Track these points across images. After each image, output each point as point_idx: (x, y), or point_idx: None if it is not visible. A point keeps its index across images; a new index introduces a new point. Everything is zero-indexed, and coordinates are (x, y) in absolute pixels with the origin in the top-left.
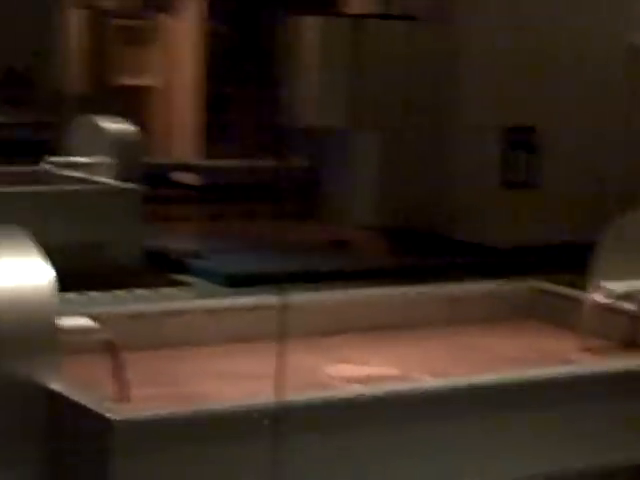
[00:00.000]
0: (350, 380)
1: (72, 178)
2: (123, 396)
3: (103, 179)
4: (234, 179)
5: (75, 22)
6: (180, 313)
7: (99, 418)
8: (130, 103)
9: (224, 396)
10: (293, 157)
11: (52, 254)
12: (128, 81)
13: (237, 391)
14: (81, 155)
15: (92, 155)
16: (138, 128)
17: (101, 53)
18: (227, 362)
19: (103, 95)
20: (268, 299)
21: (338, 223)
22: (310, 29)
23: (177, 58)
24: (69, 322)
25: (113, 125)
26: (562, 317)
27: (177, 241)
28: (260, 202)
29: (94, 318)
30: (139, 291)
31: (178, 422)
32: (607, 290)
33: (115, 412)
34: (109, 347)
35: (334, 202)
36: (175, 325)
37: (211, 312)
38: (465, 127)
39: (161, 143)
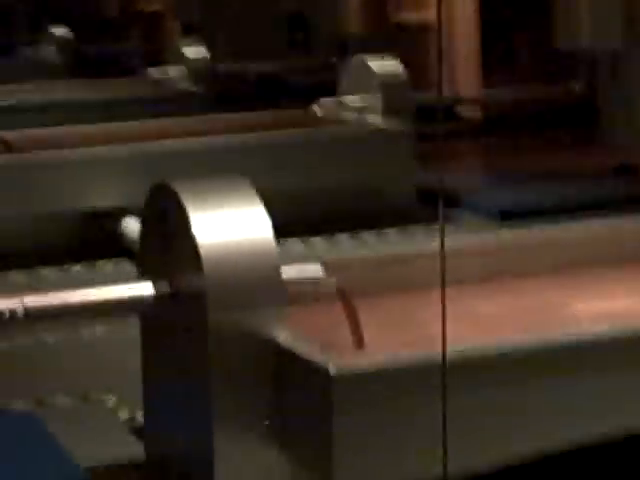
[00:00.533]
0: (600, 316)
1: (341, 120)
2: (357, 343)
3: (371, 119)
4: (510, 109)
5: None
6: (417, 257)
7: (319, 369)
8: (409, 39)
9: (462, 339)
10: (570, 81)
11: (324, 196)
12: (405, 17)
13: (476, 333)
14: (352, 95)
15: (362, 95)
16: (404, 66)
17: None
18: (467, 304)
19: (382, 34)
20: (512, 234)
21: (620, 148)
22: None
23: None
24: (296, 271)
25: (379, 64)
26: None
27: (451, 177)
28: (537, 132)
29: (331, 264)
30: (410, 228)
31: (397, 371)
32: None
33: (334, 363)
34: (339, 294)
35: (614, 125)
36: (414, 268)
37: (451, 253)
38: None
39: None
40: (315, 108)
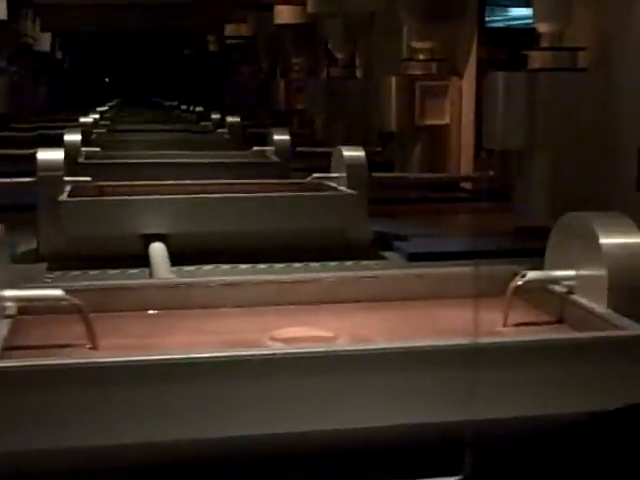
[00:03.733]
0: (282, 340)
1: (328, 187)
2: (92, 345)
3: (342, 188)
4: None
5: (392, 84)
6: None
7: None
8: (432, 135)
9: (175, 346)
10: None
11: (306, 236)
12: (428, 122)
13: (194, 344)
14: (335, 172)
15: (337, 172)
16: (363, 153)
17: (410, 104)
18: (214, 322)
19: (411, 132)
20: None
21: (521, 217)
22: (501, 81)
23: (460, 105)
24: (39, 292)
25: (347, 152)
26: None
27: (397, 229)
28: (466, 202)
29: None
30: (348, 262)
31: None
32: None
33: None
34: (78, 310)
35: (518, 202)
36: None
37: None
38: (620, 150)
39: (446, 162)
40: (311, 179)
